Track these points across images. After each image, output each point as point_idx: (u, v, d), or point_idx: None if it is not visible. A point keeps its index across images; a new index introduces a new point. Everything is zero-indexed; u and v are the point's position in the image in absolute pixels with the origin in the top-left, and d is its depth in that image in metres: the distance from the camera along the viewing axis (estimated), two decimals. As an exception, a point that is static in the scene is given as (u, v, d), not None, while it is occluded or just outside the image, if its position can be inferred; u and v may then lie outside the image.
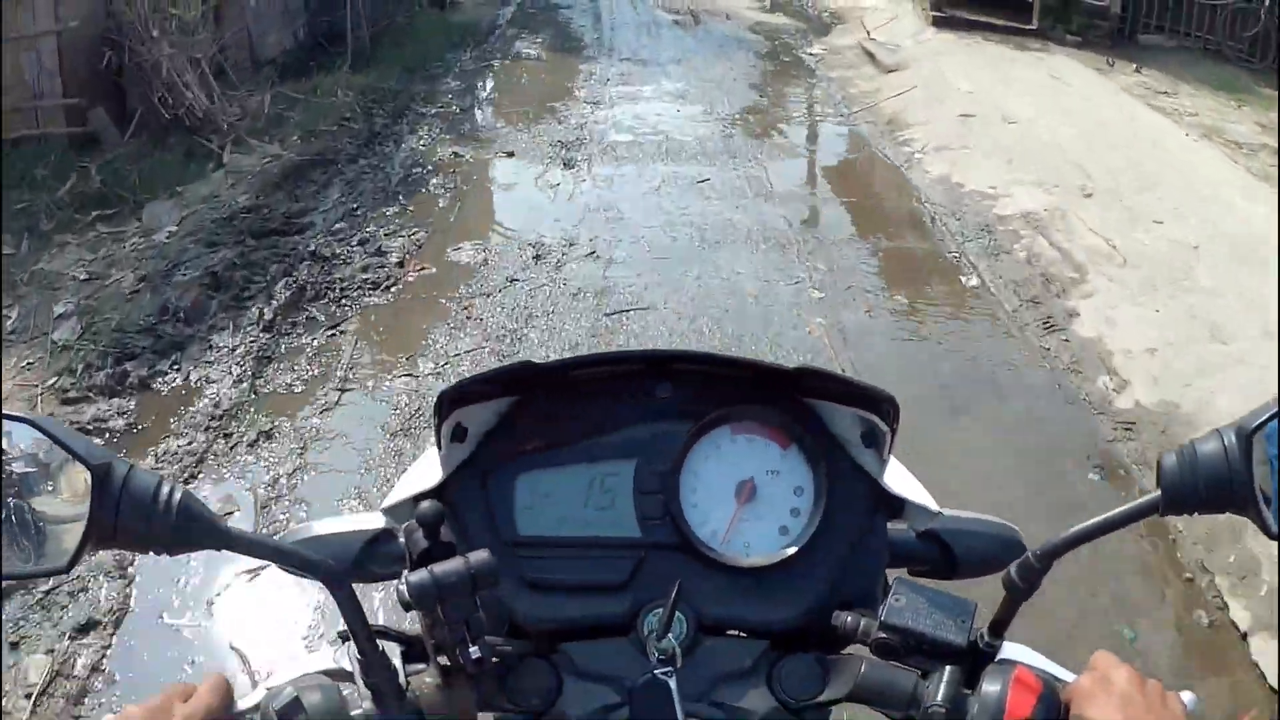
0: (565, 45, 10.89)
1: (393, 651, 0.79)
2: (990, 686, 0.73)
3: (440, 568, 0.72)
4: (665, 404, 0.90)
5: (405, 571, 0.73)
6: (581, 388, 0.91)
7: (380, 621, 0.85)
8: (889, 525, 0.91)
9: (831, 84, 9.13)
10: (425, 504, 0.77)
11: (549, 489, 0.88)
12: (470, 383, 0.85)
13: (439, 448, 0.87)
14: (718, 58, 10.08)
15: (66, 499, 0.75)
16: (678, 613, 0.82)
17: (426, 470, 0.89)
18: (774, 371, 0.87)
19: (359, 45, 8.92)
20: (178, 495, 0.70)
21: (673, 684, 0.78)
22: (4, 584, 2.70)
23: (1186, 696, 0.76)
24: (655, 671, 0.79)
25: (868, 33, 10.49)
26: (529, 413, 0.90)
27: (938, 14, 10.28)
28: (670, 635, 0.80)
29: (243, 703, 0.79)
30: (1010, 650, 0.81)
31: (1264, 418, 0.69)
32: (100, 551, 0.73)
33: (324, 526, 0.93)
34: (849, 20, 11.48)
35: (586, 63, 9.92)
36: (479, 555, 0.73)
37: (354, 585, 0.78)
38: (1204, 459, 0.70)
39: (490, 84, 9.24)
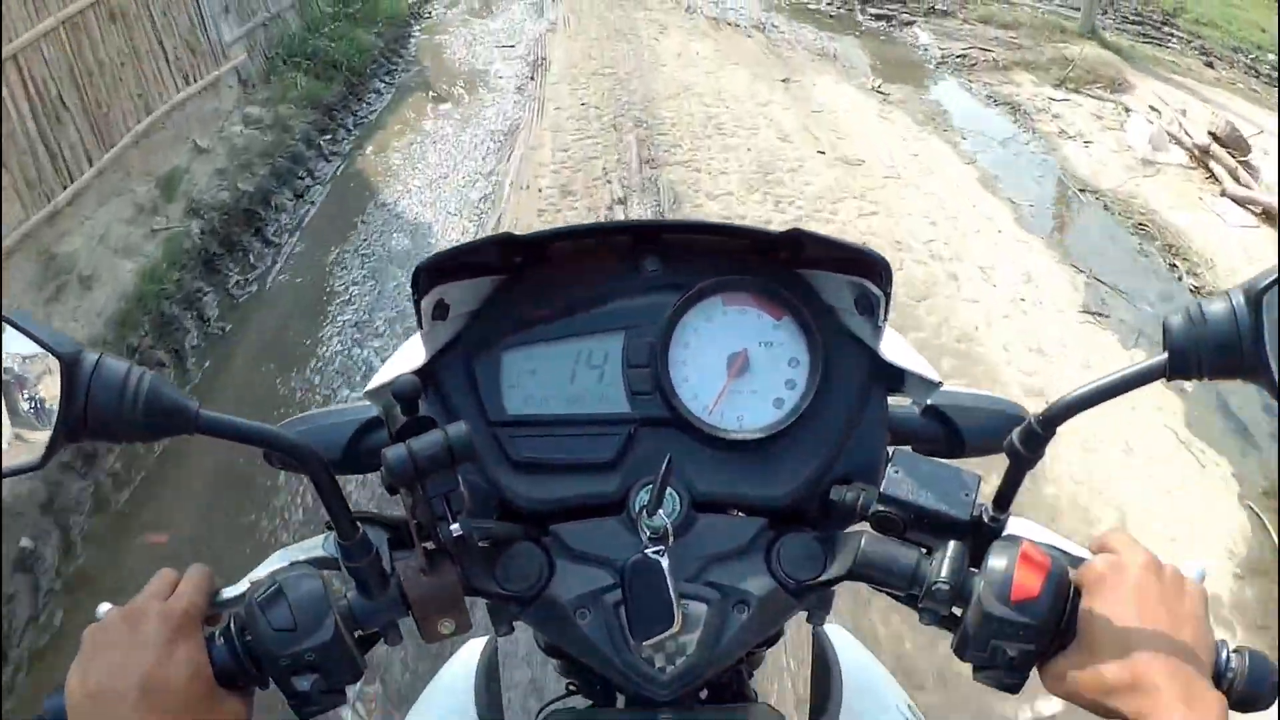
0: None
1: (378, 538, 0.77)
2: (995, 562, 0.70)
3: (417, 441, 0.69)
4: (654, 276, 0.87)
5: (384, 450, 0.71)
6: (567, 262, 0.87)
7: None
8: (891, 401, 0.87)
9: None
10: (401, 377, 0.74)
11: (536, 366, 0.85)
12: (448, 255, 0.81)
13: (420, 325, 0.84)
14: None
15: (37, 393, 0.74)
16: (670, 489, 0.80)
17: (412, 352, 0.87)
18: (763, 237, 0.82)
19: None
20: (147, 381, 0.68)
21: (665, 563, 0.76)
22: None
23: (1194, 568, 0.73)
24: (647, 550, 0.77)
25: None
26: (513, 289, 0.86)
27: None
28: (662, 512, 0.78)
29: (227, 593, 0.78)
30: (1016, 525, 0.78)
31: (1272, 279, 0.64)
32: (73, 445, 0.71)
33: (313, 418, 0.92)
34: None
35: None
36: (456, 427, 0.70)
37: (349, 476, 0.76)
38: (1212, 321, 0.66)
39: None
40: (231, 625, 0.73)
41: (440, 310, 0.84)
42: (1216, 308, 0.66)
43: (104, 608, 0.75)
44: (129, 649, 0.69)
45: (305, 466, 0.72)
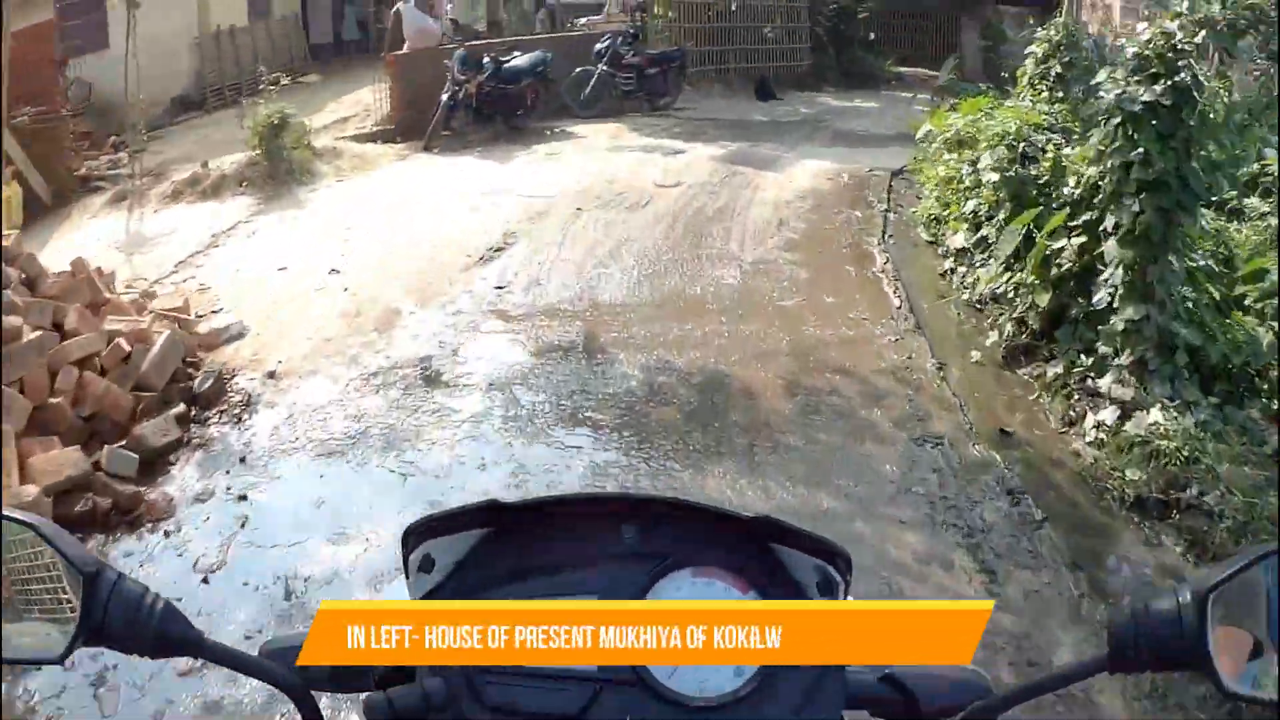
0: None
1: None
2: None
3: (397, 693, 0.76)
4: (631, 544, 0.94)
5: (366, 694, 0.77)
6: (549, 524, 0.94)
7: None
8: (849, 667, 0.92)
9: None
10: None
11: None
12: (439, 518, 0.89)
13: (406, 577, 0.90)
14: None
15: (64, 595, 0.81)
16: None
17: (396, 597, 0.93)
18: (736, 520, 0.91)
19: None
20: (160, 605, 0.76)
21: None
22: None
23: None
24: None
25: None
26: (497, 546, 0.94)
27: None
28: None
29: None
30: None
31: (1219, 578, 0.71)
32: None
33: (301, 636, 0.97)
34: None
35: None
36: (433, 683, 0.77)
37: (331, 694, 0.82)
38: (1156, 619, 0.72)
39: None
40: None
41: (426, 564, 0.91)
42: (1161, 606, 0.72)
43: None
44: None
45: (290, 695, 0.80)
